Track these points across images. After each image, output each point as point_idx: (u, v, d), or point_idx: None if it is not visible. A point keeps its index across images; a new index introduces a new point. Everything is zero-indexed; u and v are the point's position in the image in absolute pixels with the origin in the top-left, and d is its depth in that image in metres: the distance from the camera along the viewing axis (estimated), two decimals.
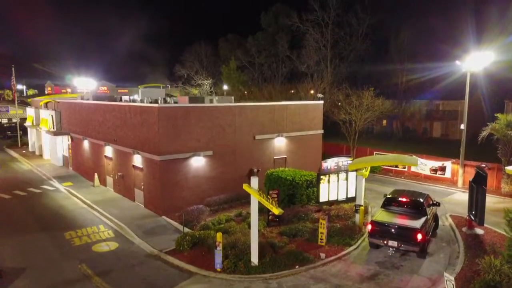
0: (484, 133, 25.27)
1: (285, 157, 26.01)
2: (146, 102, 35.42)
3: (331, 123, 37.34)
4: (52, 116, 35.66)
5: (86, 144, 29.97)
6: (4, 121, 66.31)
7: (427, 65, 55.76)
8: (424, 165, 29.85)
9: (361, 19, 58.11)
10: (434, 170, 29.28)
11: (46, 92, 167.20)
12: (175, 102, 25.97)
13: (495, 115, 25.72)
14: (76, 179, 30.14)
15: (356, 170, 19.49)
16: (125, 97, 43.17)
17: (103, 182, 27.72)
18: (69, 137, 33.47)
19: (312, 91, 41.42)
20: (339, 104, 35.15)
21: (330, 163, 21.71)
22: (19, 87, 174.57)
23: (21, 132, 50.77)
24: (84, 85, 70.75)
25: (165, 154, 20.69)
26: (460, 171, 27.22)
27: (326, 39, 59.50)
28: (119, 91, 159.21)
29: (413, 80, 58.00)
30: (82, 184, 28.74)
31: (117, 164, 25.52)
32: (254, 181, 14.66)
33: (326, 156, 33.25)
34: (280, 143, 25.67)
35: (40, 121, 39.72)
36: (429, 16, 59.68)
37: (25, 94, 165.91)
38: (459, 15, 54.65)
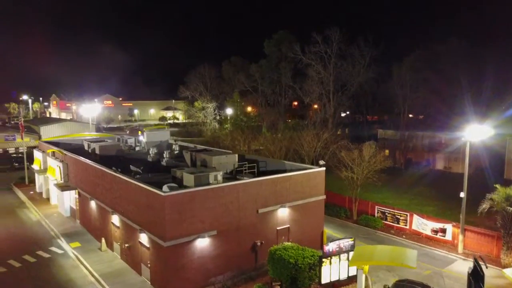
0: (484, 206, 25.68)
1: (288, 227, 26.54)
2: (152, 153, 36.30)
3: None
4: (59, 167, 36.41)
5: (93, 204, 30.64)
6: (11, 150, 66.98)
7: (430, 97, 56.41)
8: (425, 225, 30.33)
9: (364, 51, 58.76)
10: (435, 231, 29.73)
11: (51, 105, 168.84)
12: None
13: (494, 185, 26.13)
14: (84, 238, 30.80)
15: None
16: (130, 141, 44.08)
17: (110, 246, 28.37)
18: (77, 191, 34.16)
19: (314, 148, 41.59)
20: (341, 154, 35.59)
21: (332, 246, 22.25)
22: (25, 97, 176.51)
23: (28, 163, 50.62)
24: (89, 112, 71.29)
25: (171, 239, 21.28)
26: (461, 237, 27.65)
27: (328, 72, 60.11)
28: (123, 104, 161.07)
29: (416, 111, 58.82)
30: (90, 245, 29.36)
31: (124, 234, 26.16)
32: None
33: (328, 206, 33.95)
34: (283, 213, 26.20)
35: (47, 168, 40.51)
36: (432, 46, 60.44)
37: (30, 106, 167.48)
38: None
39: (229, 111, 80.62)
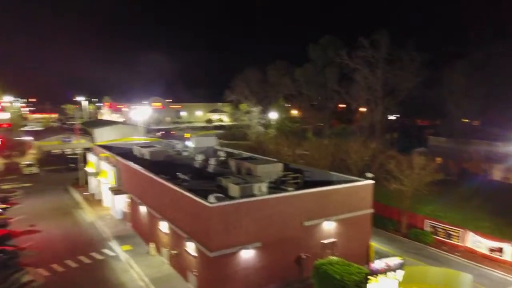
0: None
1: (334, 240, 26.15)
2: (199, 159, 37.04)
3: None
4: (112, 171, 38.08)
5: (143, 209, 31.77)
6: (68, 151, 70.99)
7: (486, 103, 53.50)
8: (480, 242, 28.80)
9: (413, 55, 56.73)
10: (492, 250, 28.13)
11: (103, 106, 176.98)
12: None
13: None
14: (134, 241, 32.01)
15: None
16: (178, 146, 45.23)
17: (158, 250, 29.29)
18: (128, 195, 35.55)
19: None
20: (389, 166, 34.55)
21: (379, 263, 21.61)
22: (80, 98, 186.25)
23: (82, 164, 52.90)
24: (139, 115, 73.62)
25: (216, 250, 21.63)
26: None
27: (376, 77, 58.59)
28: (170, 106, 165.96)
29: (471, 116, 55.89)
30: (140, 249, 30.47)
31: (172, 241, 26.92)
32: None
33: (376, 217, 32.99)
34: (328, 226, 25.86)
35: (100, 171, 42.48)
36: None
37: (84, 108, 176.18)
38: None
39: (273, 114, 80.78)
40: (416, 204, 37.07)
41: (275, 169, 30.95)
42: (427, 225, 32.53)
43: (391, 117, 77.05)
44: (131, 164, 34.02)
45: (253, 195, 24.12)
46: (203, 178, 31.32)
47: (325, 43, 70.92)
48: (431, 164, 33.04)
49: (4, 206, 38.72)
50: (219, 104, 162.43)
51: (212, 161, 35.51)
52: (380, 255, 22.77)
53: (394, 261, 21.90)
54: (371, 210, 27.69)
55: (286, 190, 27.51)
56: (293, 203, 24.29)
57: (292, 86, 78.98)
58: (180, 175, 30.10)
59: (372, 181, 27.49)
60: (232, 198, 24.37)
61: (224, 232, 21.82)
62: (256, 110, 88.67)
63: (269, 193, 25.98)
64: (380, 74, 57.82)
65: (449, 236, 30.88)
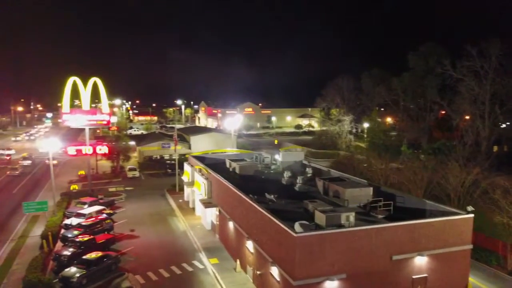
0: None
1: (426, 276, 24.33)
2: (286, 176, 37.21)
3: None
4: (204, 184, 39.97)
5: (231, 225, 32.80)
6: (166, 156, 76.22)
7: None
8: None
9: None
10: None
11: (200, 111, 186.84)
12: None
13: None
14: (221, 255, 33.18)
15: None
16: (267, 160, 45.93)
17: (244, 267, 29.99)
18: (218, 209, 37.01)
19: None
20: (494, 195, 31.13)
21: None
22: (179, 102, 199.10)
23: (179, 170, 56.05)
24: (231, 124, 75.83)
25: (300, 279, 21.44)
26: None
27: (484, 89, 53.26)
28: (262, 112, 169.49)
29: None
30: (226, 264, 31.50)
31: (257, 261, 27.35)
32: None
33: (476, 250, 29.98)
34: (420, 261, 24.12)
35: (194, 181, 44.86)
36: None
37: (182, 112, 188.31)
38: None
39: (366, 125, 77.99)
40: None
41: (365, 193, 29.82)
42: None
43: (503, 126, 68.67)
44: (222, 179, 35.33)
45: (340, 225, 23.48)
46: (289, 198, 31.38)
47: (426, 51, 66.40)
48: None
49: (110, 211, 42.93)
50: (309, 109, 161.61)
51: (299, 180, 35.36)
52: None
53: None
54: (469, 246, 25.22)
55: (375, 218, 26.40)
56: (382, 235, 23.10)
57: (387, 95, 75.43)
58: (268, 196, 30.49)
59: (472, 215, 25.02)
60: (318, 225, 24.02)
61: (308, 261, 21.55)
62: (347, 118, 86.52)
63: (358, 220, 25.13)
64: (489, 86, 52.33)
65: None
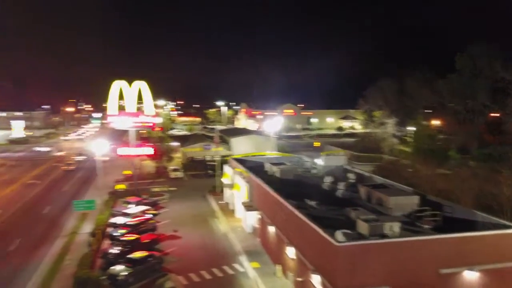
0: None
1: None
2: (327, 181, 36.76)
3: None
4: (245, 187, 40.26)
5: (271, 230, 32.82)
6: (207, 158, 77.34)
7: None
8: None
9: None
10: None
11: (240, 112, 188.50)
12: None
13: None
14: (262, 259, 33.25)
15: None
16: (308, 164, 45.58)
17: (284, 273, 29.92)
18: (259, 212, 37.16)
19: None
20: None
21: None
22: (220, 103, 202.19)
23: (219, 171, 56.65)
24: (271, 126, 75.71)
25: None
26: None
27: None
28: (302, 113, 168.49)
29: None
30: (267, 268, 31.52)
31: (298, 268, 27.19)
32: None
33: None
34: (470, 276, 23.04)
35: (234, 184, 45.29)
36: None
37: (224, 113, 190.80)
38: None
39: (410, 128, 75.63)
40: None
41: (410, 201, 28.86)
42: None
43: None
44: (262, 183, 35.44)
45: (384, 235, 22.88)
46: (331, 204, 30.93)
47: (475, 52, 63.35)
48: None
49: (155, 212, 44.17)
50: (351, 111, 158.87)
51: (341, 185, 34.83)
52: None
53: None
54: None
55: (421, 229, 25.49)
56: (429, 247, 22.31)
57: (433, 97, 72.79)
58: (308, 202, 30.25)
59: None
60: (360, 235, 23.55)
61: (350, 272, 21.19)
62: (391, 121, 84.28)
63: (402, 229, 24.37)
64: None
65: None
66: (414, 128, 75.05)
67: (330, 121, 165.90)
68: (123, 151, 54.01)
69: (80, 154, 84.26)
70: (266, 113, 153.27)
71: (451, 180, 42.22)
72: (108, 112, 54.15)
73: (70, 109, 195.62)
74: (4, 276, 30.13)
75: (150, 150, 55.45)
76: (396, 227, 23.34)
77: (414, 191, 32.00)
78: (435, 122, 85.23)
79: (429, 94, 73.62)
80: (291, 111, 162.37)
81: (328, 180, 37.21)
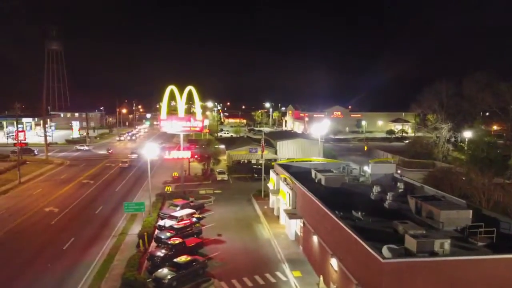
0: None
1: None
2: (375, 191, 35.65)
3: None
4: (289, 194, 39.96)
5: (315, 239, 32.30)
6: (253, 161, 77.69)
7: None
8: None
9: None
10: None
11: (287, 114, 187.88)
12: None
13: None
14: (304, 269, 32.84)
15: None
16: (355, 171, 44.55)
17: (327, 283, 29.31)
18: (302, 221, 36.72)
19: None
20: None
21: None
22: (267, 104, 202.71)
23: (265, 175, 56.62)
24: (318, 130, 74.99)
25: None
26: None
27: None
28: (351, 115, 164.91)
29: None
30: (309, 278, 31.12)
31: (341, 280, 26.55)
32: None
33: None
34: None
35: (279, 190, 45.09)
36: None
37: (270, 115, 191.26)
38: None
39: (467, 135, 71.61)
40: None
41: (463, 216, 27.34)
42: None
43: None
44: (307, 191, 34.96)
45: (433, 253, 21.76)
46: (378, 216, 29.89)
47: None
48: None
49: (199, 215, 44.96)
50: (403, 113, 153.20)
51: (390, 196, 33.57)
52: None
53: None
54: None
55: (474, 246, 23.95)
56: (482, 268, 20.98)
57: (494, 101, 68.55)
58: (355, 213, 29.46)
59: None
60: (407, 250, 22.54)
61: None
62: (445, 127, 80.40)
63: (453, 246, 23.03)
64: None
65: None
66: (470, 134, 71.05)
67: (380, 124, 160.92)
68: (168, 155, 56.40)
69: (133, 153, 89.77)
70: (313, 115, 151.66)
71: (510, 192, 39.51)
72: (161, 116, 56.36)
73: (125, 110, 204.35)
74: (58, 274, 31.87)
75: (187, 154, 56.90)
76: (446, 244, 22.12)
77: (468, 204, 30.26)
78: (495, 127, 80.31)
79: (490, 98, 69.44)
80: (339, 113, 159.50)
81: (376, 189, 36.06)
